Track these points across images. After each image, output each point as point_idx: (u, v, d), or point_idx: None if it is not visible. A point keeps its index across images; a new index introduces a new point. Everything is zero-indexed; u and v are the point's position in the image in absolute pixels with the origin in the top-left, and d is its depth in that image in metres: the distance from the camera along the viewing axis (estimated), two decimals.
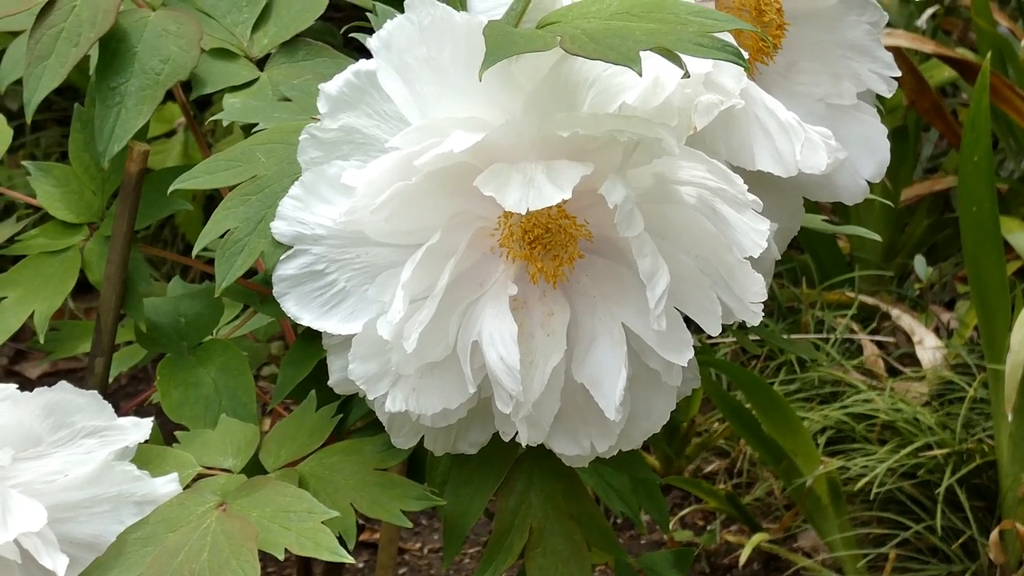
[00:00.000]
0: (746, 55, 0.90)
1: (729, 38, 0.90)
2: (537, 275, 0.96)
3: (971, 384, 2.26)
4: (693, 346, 0.97)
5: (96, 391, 1.02)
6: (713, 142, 0.99)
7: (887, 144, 1.10)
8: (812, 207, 1.19)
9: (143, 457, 1.04)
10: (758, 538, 2.18)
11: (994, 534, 2.03)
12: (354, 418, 1.14)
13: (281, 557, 0.96)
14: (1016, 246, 2.45)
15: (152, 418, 1.05)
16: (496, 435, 1.03)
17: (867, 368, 2.45)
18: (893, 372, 2.47)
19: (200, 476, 1.06)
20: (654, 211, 0.94)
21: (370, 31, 0.97)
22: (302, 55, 1.19)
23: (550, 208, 0.92)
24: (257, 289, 1.15)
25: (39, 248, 1.20)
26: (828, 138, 1.01)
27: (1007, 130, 2.69)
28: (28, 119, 1.11)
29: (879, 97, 1.13)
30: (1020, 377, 1.96)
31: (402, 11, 0.93)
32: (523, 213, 0.90)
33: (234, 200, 1.03)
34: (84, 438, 1.01)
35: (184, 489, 1.03)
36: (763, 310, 0.97)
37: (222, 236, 1.03)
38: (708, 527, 2.37)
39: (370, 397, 0.99)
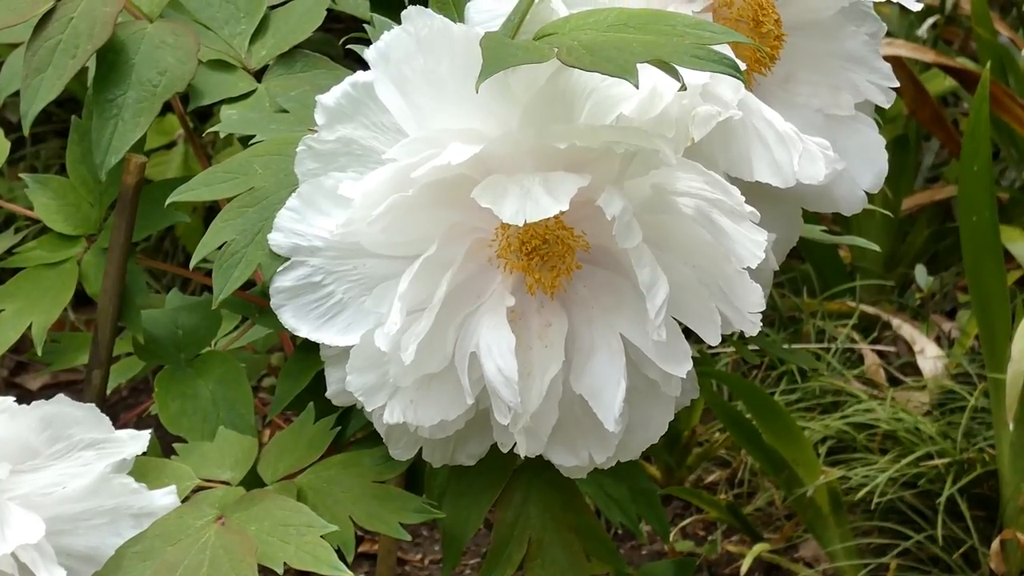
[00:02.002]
0: (743, 66, 0.90)
1: (726, 50, 0.90)
2: (535, 286, 0.96)
3: (972, 393, 2.26)
4: (692, 356, 0.97)
5: (94, 403, 1.02)
6: (711, 153, 0.99)
7: (885, 155, 1.10)
8: (812, 216, 1.19)
9: (141, 469, 1.04)
10: (759, 548, 2.18)
11: (995, 544, 2.02)
12: (352, 430, 1.14)
13: (280, 572, 0.96)
14: (1017, 255, 2.44)
15: (150, 430, 1.04)
16: (494, 446, 1.03)
17: (868, 378, 2.45)
18: (894, 381, 2.47)
19: (198, 488, 1.06)
20: (652, 222, 0.94)
21: (368, 42, 0.97)
22: (300, 66, 1.19)
23: (547, 219, 0.92)
24: (255, 301, 1.15)
25: (37, 260, 1.20)
26: (826, 149, 1.01)
27: (1008, 139, 2.69)
28: (26, 131, 1.11)
29: (878, 107, 1.13)
30: (1021, 386, 1.96)
31: (400, 22, 0.93)
32: (520, 225, 0.90)
33: (231, 212, 1.03)
34: (81, 451, 1.01)
35: (182, 502, 1.03)
36: (763, 320, 0.97)
37: (219, 248, 1.03)
38: (709, 537, 2.37)
39: (368, 409, 0.99)
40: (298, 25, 1.20)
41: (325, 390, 1.03)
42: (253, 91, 1.17)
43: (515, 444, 0.99)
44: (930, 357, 2.42)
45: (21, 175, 1.27)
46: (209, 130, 1.14)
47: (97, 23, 1.10)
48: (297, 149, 0.98)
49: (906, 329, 2.52)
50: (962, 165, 2.01)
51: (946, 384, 2.35)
